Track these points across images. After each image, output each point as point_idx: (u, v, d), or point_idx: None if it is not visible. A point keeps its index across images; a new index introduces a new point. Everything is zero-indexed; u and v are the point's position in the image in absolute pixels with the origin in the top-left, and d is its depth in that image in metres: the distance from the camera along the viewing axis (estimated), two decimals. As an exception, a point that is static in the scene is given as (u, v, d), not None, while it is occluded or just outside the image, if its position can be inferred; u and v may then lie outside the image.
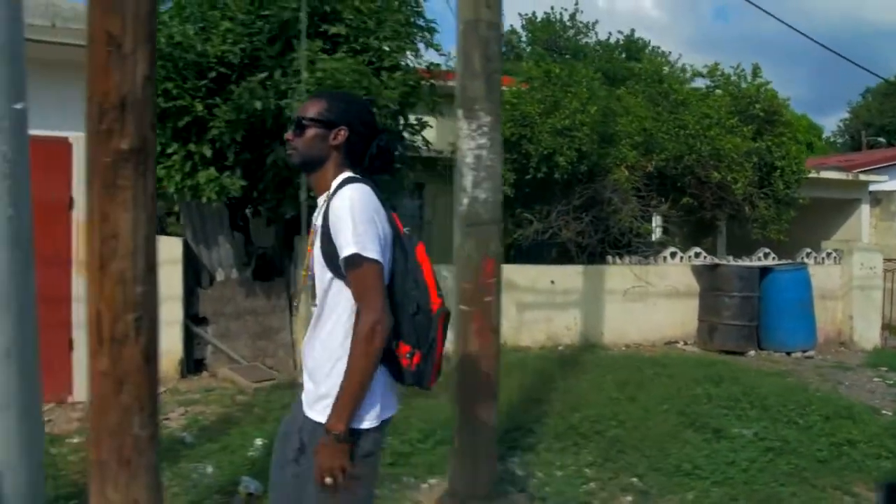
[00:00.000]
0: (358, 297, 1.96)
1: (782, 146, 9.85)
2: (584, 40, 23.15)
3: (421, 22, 6.76)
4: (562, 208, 8.57)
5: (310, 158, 2.14)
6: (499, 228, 3.89)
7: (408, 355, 2.02)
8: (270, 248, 7.54)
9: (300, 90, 5.42)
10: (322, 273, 2.08)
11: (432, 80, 7.05)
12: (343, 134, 2.11)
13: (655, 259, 9.16)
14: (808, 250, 10.16)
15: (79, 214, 6.35)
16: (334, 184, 2.09)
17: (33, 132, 5.92)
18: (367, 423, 2.01)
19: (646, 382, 6.38)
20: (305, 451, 2.06)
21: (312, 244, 2.13)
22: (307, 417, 2.09)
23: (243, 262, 7.24)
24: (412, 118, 7.09)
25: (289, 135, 2.17)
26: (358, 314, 1.96)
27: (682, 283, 9.18)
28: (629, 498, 4.16)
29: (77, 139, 6.32)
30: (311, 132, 2.12)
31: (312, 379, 2.11)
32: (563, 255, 9.38)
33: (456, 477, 3.97)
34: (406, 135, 6.98)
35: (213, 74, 5.86)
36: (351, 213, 1.93)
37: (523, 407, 5.76)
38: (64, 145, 6.32)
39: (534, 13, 25.32)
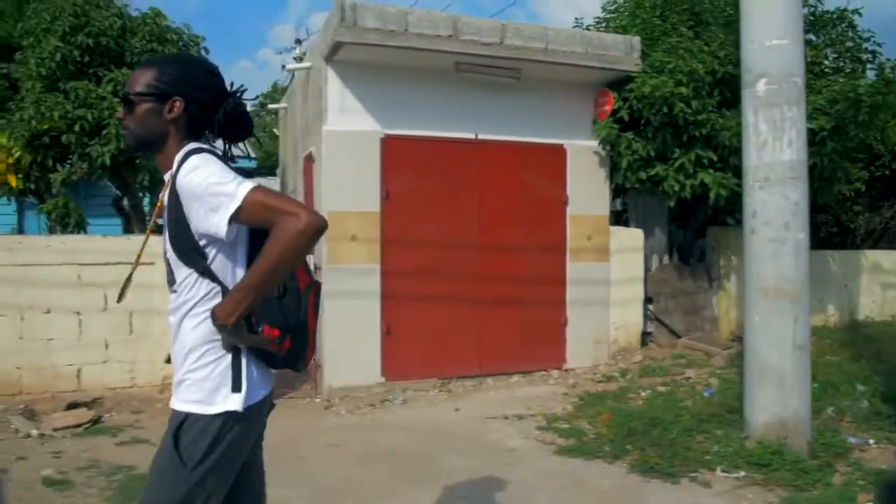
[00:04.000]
0: (269, 216, 1.72)
1: None
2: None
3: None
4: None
5: (145, 138, 1.90)
6: None
7: (277, 340, 1.85)
8: (684, 236, 8.63)
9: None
10: (172, 257, 1.89)
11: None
12: (179, 105, 1.87)
13: None
14: None
15: (571, 210, 7.53)
16: (176, 160, 1.86)
17: (535, 140, 7.21)
18: (225, 406, 1.83)
19: None
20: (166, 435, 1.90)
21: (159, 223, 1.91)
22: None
23: (666, 250, 8.36)
24: None
25: (119, 114, 1.93)
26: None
27: None
28: None
29: (570, 145, 7.50)
30: (141, 108, 1.87)
31: (174, 366, 1.94)
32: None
33: None
34: None
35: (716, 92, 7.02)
36: (206, 179, 1.74)
37: None
38: (559, 151, 7.49)
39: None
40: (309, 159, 7.32)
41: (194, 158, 1.78)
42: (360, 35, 6.16)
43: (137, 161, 8.06)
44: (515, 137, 7.24)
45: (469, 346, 7.13)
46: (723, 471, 4.61)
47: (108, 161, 7.39)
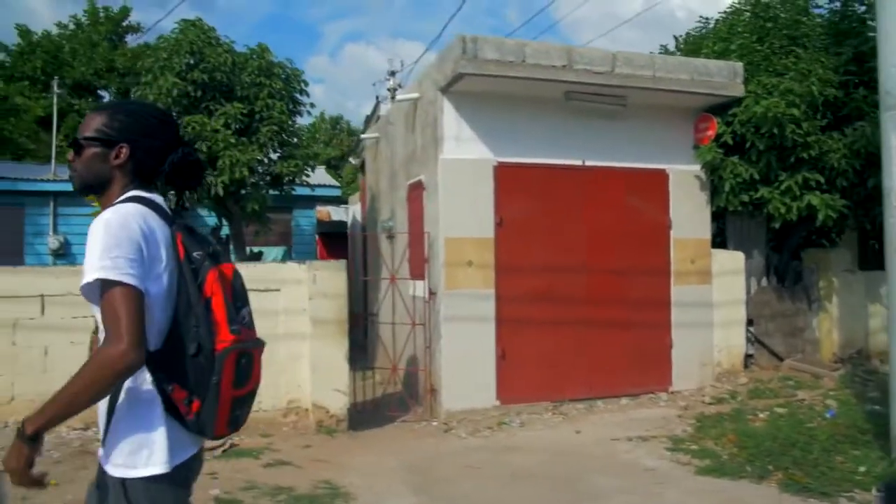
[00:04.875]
0: (105, 325, 1.64)
1: None
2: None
3: None
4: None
5: (90, 181, 1.89)
6: None
7: (185, 402, 1.74)
8: (779, 258, 8.67)
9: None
10: (94, 307, 1.79)
11: None
12: (125, 152, 1.86)
13: None
14: None
15: (674, 233, 7.63)
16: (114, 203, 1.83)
17: (639, 165, 7.32)
18: (150, 469, 1.75)
19: None
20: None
21: None
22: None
23: (764, 272, 8.41)
24: None
25: (70, 156, 1.93)
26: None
27: None
28: None
29: (672, 170, 7.62)
30: (89, 152, 1.87)
31: (98, 413, 1.84)
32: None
33: None
34: None
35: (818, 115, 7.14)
36: (99, 236, 1.68)
37: None
38: (662, 176, 7.61)
39: None
40: (417, 187, 7.51)
41: (110, 212, 1.73)
42: (481, 66, 6.38)
43: (243, 191, 8.33)
44: (620, 163, 7.38)
45: (580, 368, 7.21)
46: (878, 491, 4.62)
47: (221, 191, 7.65)
